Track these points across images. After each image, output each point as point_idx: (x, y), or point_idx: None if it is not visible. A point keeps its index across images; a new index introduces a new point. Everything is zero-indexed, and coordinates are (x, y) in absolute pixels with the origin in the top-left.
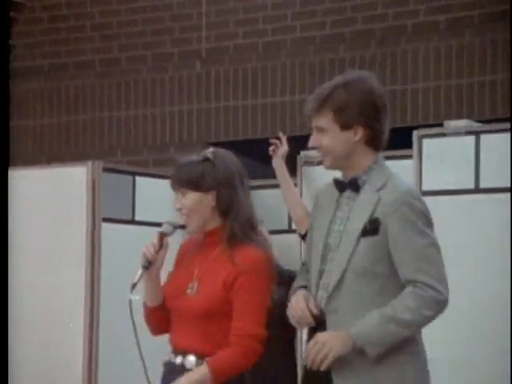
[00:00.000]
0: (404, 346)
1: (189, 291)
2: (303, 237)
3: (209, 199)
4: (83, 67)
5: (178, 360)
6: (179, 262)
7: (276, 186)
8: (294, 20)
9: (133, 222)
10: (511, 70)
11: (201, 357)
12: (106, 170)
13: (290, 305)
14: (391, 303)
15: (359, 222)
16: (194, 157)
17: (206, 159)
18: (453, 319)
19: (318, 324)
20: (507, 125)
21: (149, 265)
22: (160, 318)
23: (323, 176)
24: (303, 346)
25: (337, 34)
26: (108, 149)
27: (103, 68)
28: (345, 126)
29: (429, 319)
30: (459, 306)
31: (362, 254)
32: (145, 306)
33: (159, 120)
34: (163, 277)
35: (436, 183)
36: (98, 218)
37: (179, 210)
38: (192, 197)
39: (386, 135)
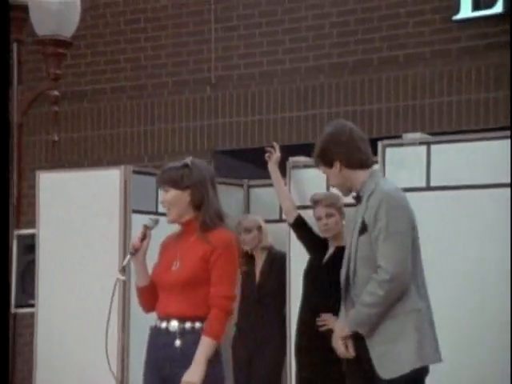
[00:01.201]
0: (404, 308)
1: (173, 268)
2: (291, 225)
3: (185, 196)
4: (117, 91)
5: (163, 325)
6: (162, 253)
7: (270, 185)
8: (283, 54)
9: (156, 213)
10: (511, 88)
11: (182, 321)
12: (135, 172)
13: (334, 340)
14: (364, 290)
15: (358, 225)
16: (177, 163)
17: (186, 165)
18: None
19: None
20: (452, 136)
21: (135, 251)
22: (149, 297)
23: (308, 177)
24: (291, 309)
25: (318, 66)
26: (136, 156)
27: (133, 92)
28: (329, 165)
29: (385, 297)
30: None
31: (362, 248)
32: (136, 287)
33: (177, 133)
34: (149, 265)
35: (396, 182)
36: (128, 210)
37: (162, 203)
38: (172, 193)
39: (365, 156)
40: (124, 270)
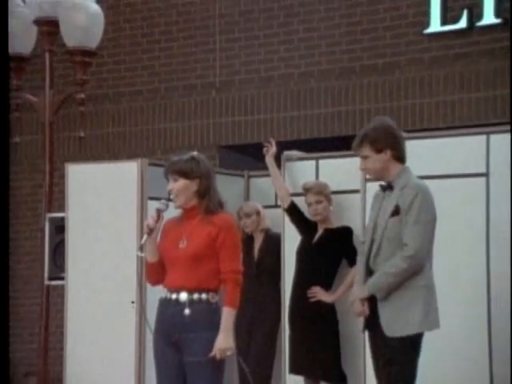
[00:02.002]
0: (417, 282)
1: (181, 245)
2: (285, 210)
3: (193, 185)
4: (135, 94)
5: (173, 296)
6: (166, 233)
7: (267, 176)
8: (278, 62)
9: (169, 199)
10: (511, 88)
11: (190, 292)
12: (150, 164)
13: (353, 301)
14: (390, 261)
15: (390, 208)
16: (183, 156)
17: (193, 158)
18: None
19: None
20: (423, 133)
21: (150, 232)
22: (157, 272)
23: (300, 168)
24: (285, 283)
25: (309, 72)
26: (151, 150)
27: (148, 95)
28: (378, 151)
29: (406, 269)
30: None
31: (392, 228)
32: (147, 263)
33: (186, 130)
34: None
35: None
36: (145, 197)
37: (170, 191)
38: (182, 182)
39: (404, 153)
40: (142, 248)
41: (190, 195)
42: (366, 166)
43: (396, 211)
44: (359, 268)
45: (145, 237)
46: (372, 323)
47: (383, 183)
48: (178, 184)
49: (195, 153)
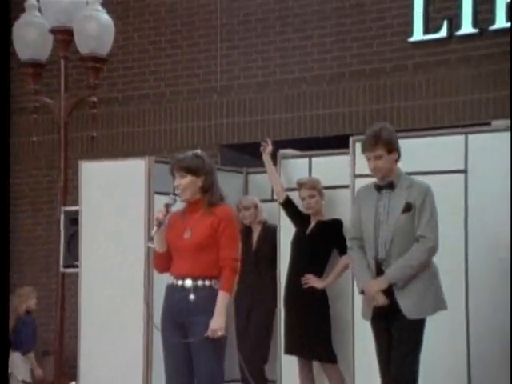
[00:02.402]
0: (429, 270)
1: (185, 236)
2: (281, 204)
3: (199, 181)
4: (142, 97)
5: (179, 283)
6: (171, 226)
7: (264, 172)
8: (274, 68)
9: (174, 194)
10: (511, 88)
11: (195, 279)
12: (157, 161)
13: (373, 293)
14: (407, 254)
15: (399, 205)
16: (188, 154)
17: (198, 156)
18: None
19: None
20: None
21: (159, 224)
22: (164, 261)
23: (294, 165)
24: (281, 271)
25: (301, 77)
26: (158, 149)
27: (155, 98)
28: (389, 151)
29: (426, 259)
30: None
31: (404, 224)
32: (155, 253)
33: (190, 130)
34: None
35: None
36: (152, 191)
37: (177, 186)
38: (188, 179)
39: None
40: (152, 239)
41: (196, 190)
42: (378, 165)
43: (408, 208)
44: (359, 262)
45: (154, 229)
46: (388, 310)
47: (379, 183)
48: (185, 180)
49: (199, 151)
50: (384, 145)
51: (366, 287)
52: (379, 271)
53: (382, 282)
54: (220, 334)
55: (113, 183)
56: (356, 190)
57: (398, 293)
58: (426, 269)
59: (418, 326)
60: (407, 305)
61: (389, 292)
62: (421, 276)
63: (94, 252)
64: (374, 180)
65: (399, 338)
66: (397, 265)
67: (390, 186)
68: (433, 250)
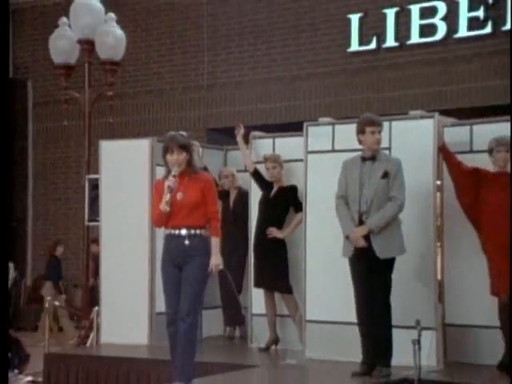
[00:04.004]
0: (396, 220)
1: (178, 197)
2: (251, 174)
3: (187, 156)
4: (148, 93)
5: (176, 232)
6: (160, 190)
7: (239, 149)
8: (248, 71)
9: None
10: (511, 88)
11: (189, 229)
12: (158, 141)
13: (351, 236)
14: (383, 209)
15: (379, 173)
16: (178, 134)
17: (185, 136)
18: None
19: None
20: None
21: (172, 191)
22: (166, 218)
23: (262, 144)
24: (252, 226)
25: (268, 78)
26: (160, 131)
27: (157, 93)
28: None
29: (397, 212)
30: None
31: (382, 187)
32: (160, 213)
33: (184, 117)
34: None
35: (313, 146)
36: (154, 163)
37: (176, 160)
38: (183, 154)
39: None
40: (167, 203)
41: (184, 164)
42: (380, 138)
43: (385, 175)
44: (345, 214)
45: (168, 195)
46: (366, 250)
47: (365, 155)
48: (182, 156)
49: (186, 132)
50: (382, 125)
51: (350, 233)
52: (361, 221)
53: (363, 229)
54: (220, 267)
55: (125, 157)
56: (308, 163)
57: (374, 238)
58: (394, 221)
59: (389, 263)
60: (379, 246)
61: (367, 237)
62: (390, 225)
63: (111, 210)
64: (329, 155)
65: (374, 272)
66: (375, 216)
67: (373, 158)
68: (401, 206)
